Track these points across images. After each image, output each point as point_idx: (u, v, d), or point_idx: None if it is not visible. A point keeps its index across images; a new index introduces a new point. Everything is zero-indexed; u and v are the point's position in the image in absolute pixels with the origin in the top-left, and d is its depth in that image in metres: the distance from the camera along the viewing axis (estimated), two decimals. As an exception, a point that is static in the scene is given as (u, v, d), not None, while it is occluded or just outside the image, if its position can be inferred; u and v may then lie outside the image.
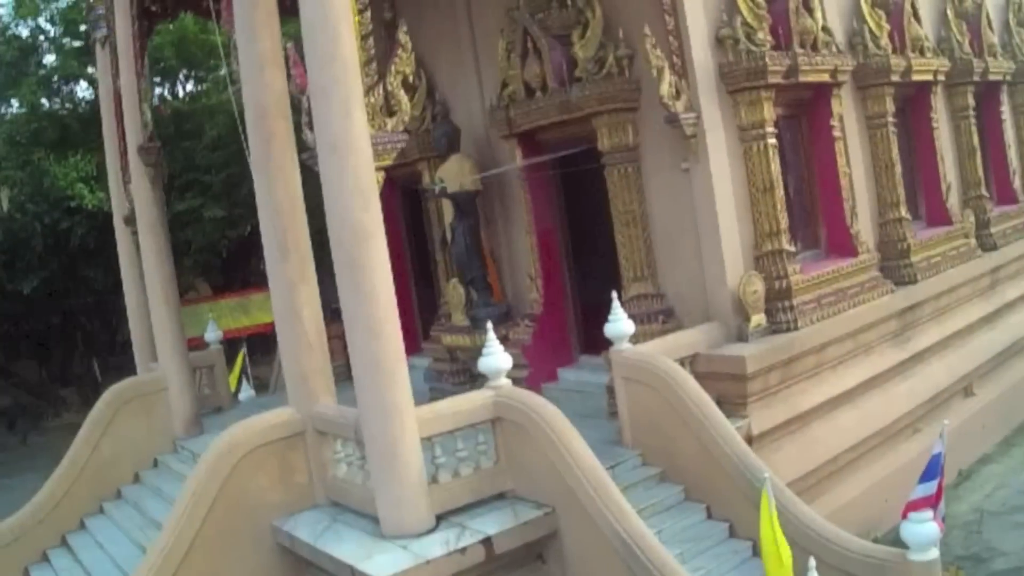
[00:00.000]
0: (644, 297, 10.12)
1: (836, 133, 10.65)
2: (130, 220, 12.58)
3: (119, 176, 12.71)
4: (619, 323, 8.94)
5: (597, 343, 11.07)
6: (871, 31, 11.17)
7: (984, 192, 13.42)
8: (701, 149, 9.56)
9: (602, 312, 11.20)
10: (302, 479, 8.59)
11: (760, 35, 9.78)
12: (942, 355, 11.49)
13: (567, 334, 11.26)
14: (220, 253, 19.62)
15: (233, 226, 19.50)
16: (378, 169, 7.66)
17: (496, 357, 8.24)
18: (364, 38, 7.69)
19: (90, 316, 22.21)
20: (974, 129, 13.15)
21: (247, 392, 14.84)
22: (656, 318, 9.96)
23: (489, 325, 8.41)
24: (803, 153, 10.80)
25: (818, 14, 10.41)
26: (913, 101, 12.16)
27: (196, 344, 21.38)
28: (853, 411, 10.20)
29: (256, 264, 23.02)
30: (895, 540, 7.72)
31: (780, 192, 9.85)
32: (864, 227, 10.98)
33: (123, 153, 12.48)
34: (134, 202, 12.22)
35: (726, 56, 9.74)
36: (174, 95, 22.42)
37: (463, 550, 7.38)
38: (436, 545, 7.38)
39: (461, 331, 11.47)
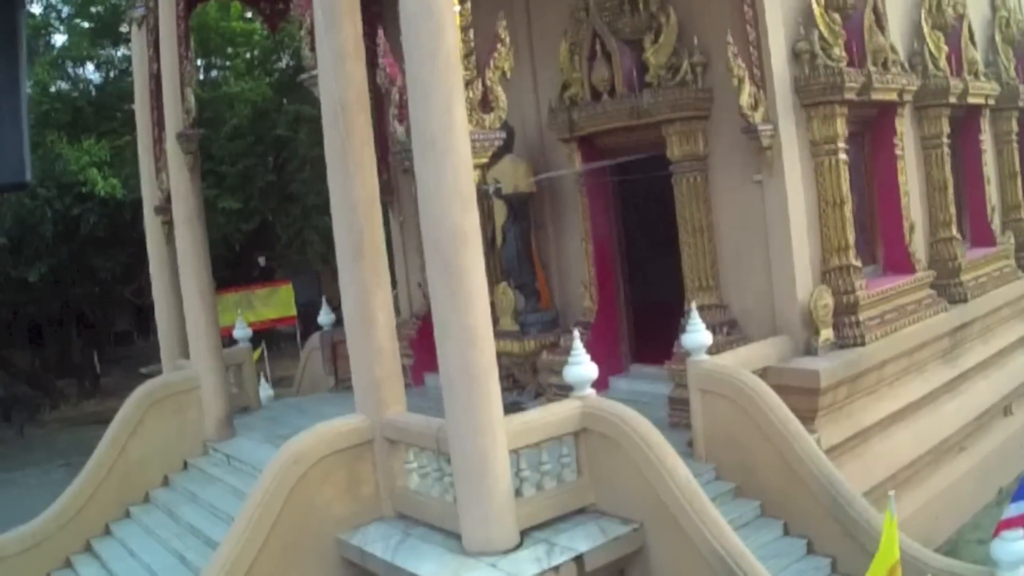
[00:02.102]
0: (708, 308, 9.59)
1: (898, 152, 10.28)
2: (161, 210, 11.78)
3: (151, 163, 11.90)
4: (698, 334, 8.43)
5: (648, 352, 10.64)
6: (931, 52, 10.82)
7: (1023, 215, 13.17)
8: (776, 162, 9.11)
9: (654, 321, 10.79)
10: (369, 490, 7.93)
11: (836, 51, 9.36)
12: (986, 374, 11.18)
13: (619, 343, 10.73)
14: (233, 247, 18.70)
15: (247, 219, 18.59)
16: (475, 168, 7.06)
17: (583, 366, 7.69)
18: (464, 30, 7.08)
19: (93, 307, 21.07)
20: (1016, 153, 12.88)
21: (266, 390, 14.06)
22: (721, 329, 9.46)
23: (576, 333, 7.89)
24: (864, 170, 10.40)
25: (889, 33, 10.03)
26: (963, 124, 11.83)
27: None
28: (908, 428, 9.82)
29: (266, 259, 22.22)
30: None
31: (849, 208, 9.45)
32: (917, 245, 10.61)
33: (158, 140, 11.69)
34: (169, 191, 11.44)
35: (802, 70, 9.31)
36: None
37: (556, 568, 6.80)
38: (527, 563, 6.79)
39: (509, 336, 10.86)
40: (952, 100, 10.86)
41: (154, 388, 11.02)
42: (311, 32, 8.24)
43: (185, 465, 11.09)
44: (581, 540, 7.13)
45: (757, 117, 8.96)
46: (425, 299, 13.34)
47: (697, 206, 9.63)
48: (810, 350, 9.15)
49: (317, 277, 25.14)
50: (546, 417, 7.44)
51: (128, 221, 18.55)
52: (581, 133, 10.23)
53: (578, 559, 6.93)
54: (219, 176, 18.32)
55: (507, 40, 7.43)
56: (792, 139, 9.23)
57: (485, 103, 7.17)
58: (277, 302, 18.97)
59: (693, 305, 8.58)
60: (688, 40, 9.53)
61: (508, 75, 7.39)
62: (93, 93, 19.84)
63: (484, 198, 11.54)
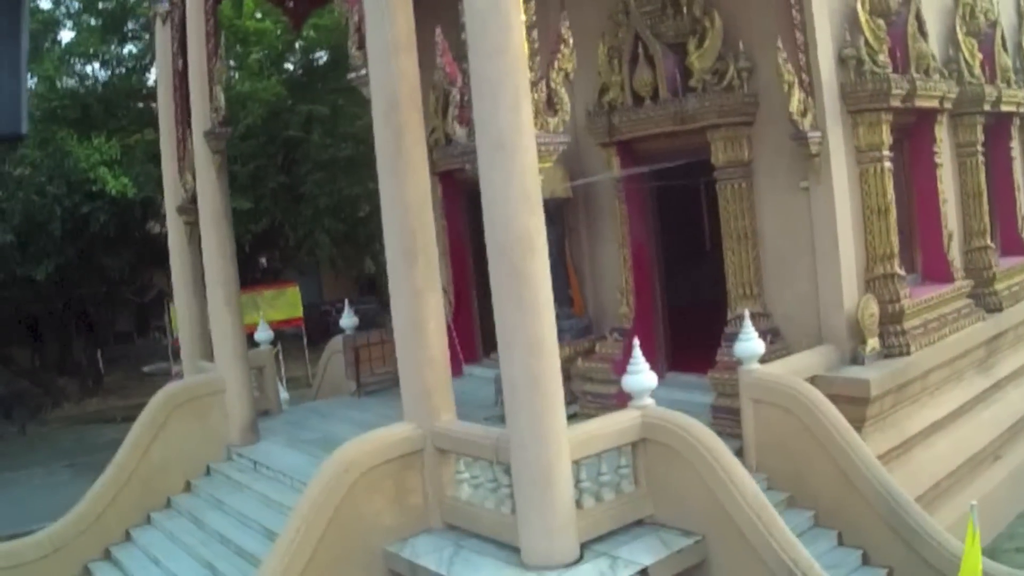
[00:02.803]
0: (752, 316, 9.31)
1: (937, 160, 10.06)
2: (184, 210, 11.35)
3: (175, 163, 11.46)
4: (750, 342, 8.16)
5: (685, 360, 10.36)
6: (966, 59, 10.62)
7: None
8: (824, 168, 8.84)
9: (691, 329, 10.50)
10: (417, 500, 7.58)
11: (881, 57, 9.12)
12: (1018, 383, 10.99)
13: (656, 351, 10.40)
14: (243, 247, 18.18)
15: (257, 219, 18.10)
16: (540, 172, 6.73)
17: (643, 375, 7.38)
18: (528, 29, 6.73)
19: (98, 306, 20.46)
20: None
21: (282, 393, 13.61)
22: (764, 338, 9.09)
23: (636, 341, 7.53)
24: (903, 178, 10.17)
25: (930, 40, 9.82)
26: (993, 131, 11.64)
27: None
28: (948, 437, 9.58)
29: (267, 260, 21.71)
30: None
31: (893, 215, 9.21)
32: (955, 254, 10.40)
33: (181, 139, 11.26)
34: (194, 191, 11.02)
35: (848, 76, 9.05)
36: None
37: (623, 584, 6.52)
38: (592, 576, 6.51)
39: (540, 342, 10.52)
40: (986, 107, 10.66)
41: (177, 391, 10.58)
42: (358, 29, 7.87)
43: (208, 470, 10.64)
44: (644, 553, 6.84)
45: (806, 123, 8.70)
46: (449, 305, 13.01)
47: (741, 213, 9.33)
48: (856, 359, 8.90)
49: (318, 279, 24.77)
50: (607, 427, 7.14)
51: (138, 220, 18.11)
52: (621, 138, 9.92)
53: (643, 573, 6.64)
54: (231, 176, 17.71)
55: (570, 40, 7.10)
56: (839, 146, 8.97)
57: (550, 105, 6.84)
58: (284, 304, 18.57)
59: (746, 313, 8.31)
60: (733, 44, 9.24)
61: (571, 77, 7.06)
62: (99, 90, 19.26)
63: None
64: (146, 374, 21.89)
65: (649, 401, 7.40)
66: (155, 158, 18.16)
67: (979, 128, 10.74)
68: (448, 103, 7.34)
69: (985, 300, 10.56)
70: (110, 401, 20.48)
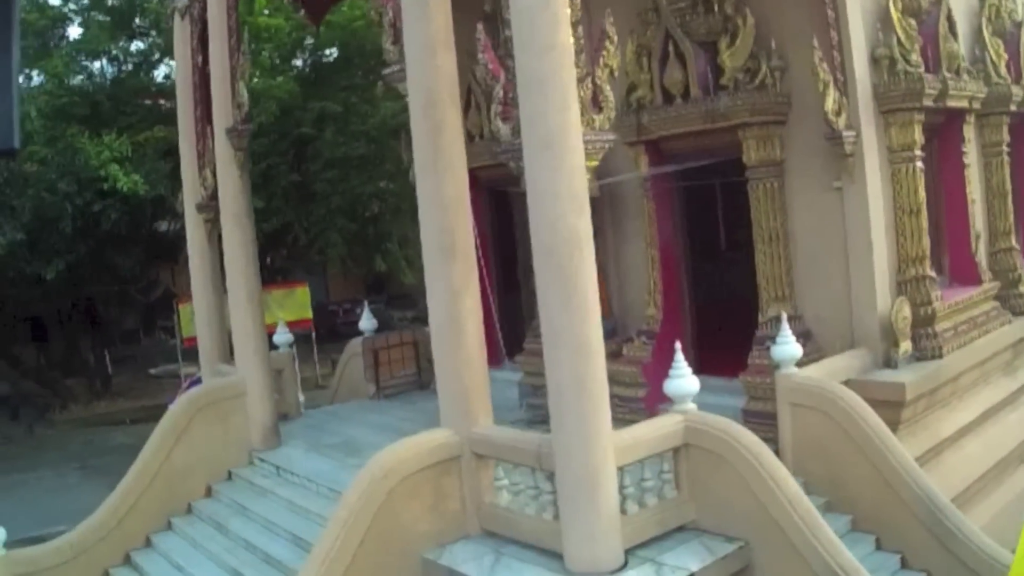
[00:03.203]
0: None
1: (966, 160, 9.92)
2: (204, 207, 11.11)
3: (194, 160, 11.21)
4: (788, 346, 7.99)
5: (712, 363, 10.16)
6: (992, 59, 10.47)
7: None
8: (858, 168, 8.67)
9: (718, 331, 10.32)
10: (454, 507, 7.37)
11: (914, 56, 8.96)
12: (1042, 386, 10.86)
13: (683, 353, 10.20)
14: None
15: (267, 219, 17.81)
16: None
17: (685, 380, 7.22)
18: (574, 26, 6.54)
19: (106, 305, 20.13)
20: None
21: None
22: (797, 340, 9.03)
23: (678, 345, 7.35)
24: (931, 178, 10.00)
25: (960, 40, 9.68)
26: (1017, 131, 11.50)
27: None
28: (977, 440, 9.43)
29: (273, 260, 21.42)
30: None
31: (925, 216, 9.06)
32: (982, 256, 10.26)
33: (201, 135, 11.02)
34: (215, 188, 10.79)
35: (880, 76, 8.89)
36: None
37: (669, 590, 6.35)
38: (639, 584, 6.33)
39: (568, 344, 10.32)
40: (1012, 108, 10.53)
41: (199, 395, 10.32)
42: (393, 24, 7.69)
43: (229, 475, 10.40)
44: (689, 559, 6.67)
45: (840, 123, 8.53)
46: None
47: (773, 213, 9.14)
48: (889, 362, 8.73)
49: (324, 279, 24.53)
50: (651, 432, 6.97)
51: (148, 218, 17.81)
52: (649, 137, 9.71)
53: (688, 579, 6.48)
54: None
55: (615, 37, 6.90)
56: (873, 145, 8.80)
57: (595, 102, 6.64)
58: (293, 304, 18.34)
59: (783, 316, 8.15)
60: (765, 43, 9.06)
61: (615, 74, 6.87)
62: (108, 87, 18.96)
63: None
64: (153, 376, 21.61)
65: (691, 406, 7.24)
66: (166, 155, 18.00)
67: (1004, 128, 10.60)
68: (490, 100, 7.13)
69: (1011, 302, 10.42)
70: (118, 403, 20.16)
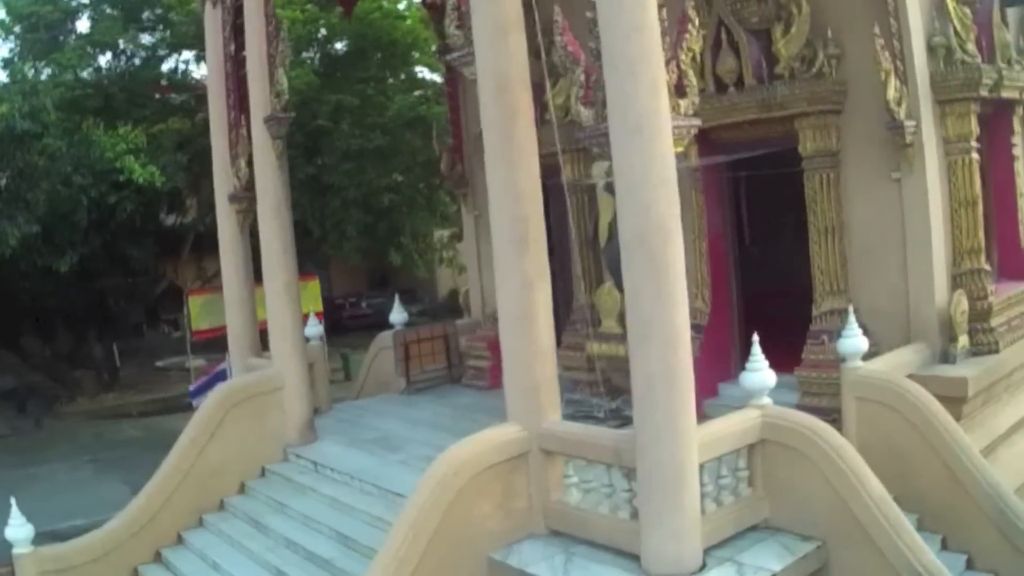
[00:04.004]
0: (837, 313, 8.87)
1: (1016, 152, 9.73)
2: (236, 198, 10.75)
3: (226, 149, 10.85)
4: (854, 339, 7.75)
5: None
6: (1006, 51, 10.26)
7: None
8: (917, 159, 8.44)
9: (764, 324, 10.06)
10: (522, 505, 7.09)
11: (970, 46, 8.75)
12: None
13: (730, 347, 9.97)
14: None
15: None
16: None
17: (762, 373, 6.95)
18: (659, 8, 6.25)
19: (117, 297, 19.60)
20: None
21: None
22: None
23: (755, 338, 7.09)
24: (981, 171, 9.81)
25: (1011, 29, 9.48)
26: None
27: (220, 333, 19.24)
28: (1024, 438, 9.30)
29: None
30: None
31: (980, 208, 8.85)
32: (1025, 250, 10.08)
33: (234, 125, 10.66)
34: (249, 178, 10.44)
35: (937, 65, 8.67)
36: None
37: (754, 591, 6.10)
38: (724, 584, 6.07)
39: (613, 339, 10.00)
40: (1056, 100, 10.34)
41: (235, 389, 9.99)
42: (458, 7, 7.36)
43: (263, 472, 10.06)
44: (769, 559, 6.43)
45: (901, 112, 8.29)
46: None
47: (829, 204, 8.90)
48: (947, 357, 8.51)
49: (327, 273, 24.06)
50: (730, 427, 6.71)
51: (164, 210, 17.39)
52: (700, 126, 9.44)
53: (770, 580, 6.23)
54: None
55: (696, 20, 6.63)
56: (932, 136, 8.57)
57: (680, 87, 6.36)
58: (305, 297, 17.77)
59: (850, 309, 7.91)
60: (820, 31, 8.82)
61: (697, 58, 6.59)
62: (122, 78, 18.48)
63: (582, 193, 10.78)
64: (160, 369, 21.14)
65: (767, 400, 6.99)
66: (181, 147, 17.59)
67: (1047, 120, 10.42)
68: (571, 83, 6.83)
69: (1057, 297, 10.24)
70: (126, 396, 19.71)
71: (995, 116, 9.72)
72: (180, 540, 9.51)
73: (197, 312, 17.91)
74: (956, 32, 8.71)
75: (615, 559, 6.55)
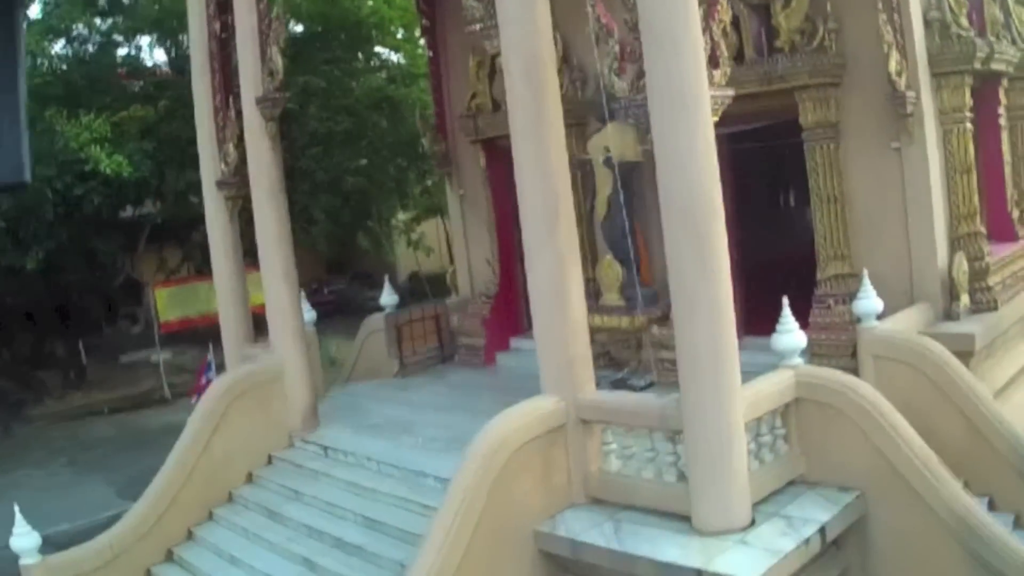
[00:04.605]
0: (841, 278, 9.26)
1: (1001, 122, 10.20)
2: (225, 184, 10.60)
3: (212, 134, 10.67)
4: (869, 300, 8.09)
5: (761, 324, 10.19)
6: (1016, 25, 10.76)
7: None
8: (917, 129, 8.82)
9: (765, 293, 10.38)
10: (561, 477, 7.22)
11: (963, 20, 9.14)
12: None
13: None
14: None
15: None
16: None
17: (792, 335, 7.21)
18: (695, -21, 6.39)
19: (83, 293, 19.00)
20: None
21: None
22: (853, 299, 9.15)
23: (785, 300, 7.34)
24: (970, 139, 10.26)
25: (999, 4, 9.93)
26: None
27: (189, 325, 18.86)
28: (1020, 392, 9.76)
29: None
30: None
31: (975, 175, 9.28)
32: (1016, 214, 10.57)
33: (221, 107, 10.50)
34: (236, 163, 10.32)
35: (932, 39, 9.04)
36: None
37: (807, 541, 6.32)
38: (777, 538, 6.31)
39: (616, 311, 10.24)
40: (1037, 72, 10.86)
41: (238, 378, 9.87)
42: (476, -22, 7.42)
43: (270, 460, 9.98)
44: (814, 510, 6.69)
45: (902, 84, 8.66)
46: (495, 276, 12.60)
47: (830, 173, 9.21)
48: (950, 316, 8.92)
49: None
50: (768, 387, 6.93)
51: (131, 201, 16.90)
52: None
53: (822, 530, 6.47)
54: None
55: (724, -9, 6.80)
56: (930, 107, 8.96)
57: (714, 58, 6.52)
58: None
59: (864, 272, 8.20)
60: (819, 4, 9.11)
61: (727, 31, 6.77)
62: (83, 65, 17.88)
63: (575, 169, 10.91)
64: (125, 364, 20.62)
65: (799, 360, 7.25)
66: (147, 134, 17.13)
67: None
68: (604, 54, 6.92)
69: (1040, 259, 10.78)
70: (94, 394, 19.20)
71: (983, 88, 10.16)
72: (191, 536, 9.37)
73: (164, 305, 17.57)
74: (950, 7, 9.10)
75: (663, 522, 6.72)
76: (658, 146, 6.27)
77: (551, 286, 7.13)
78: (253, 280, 17.99)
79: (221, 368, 11.55)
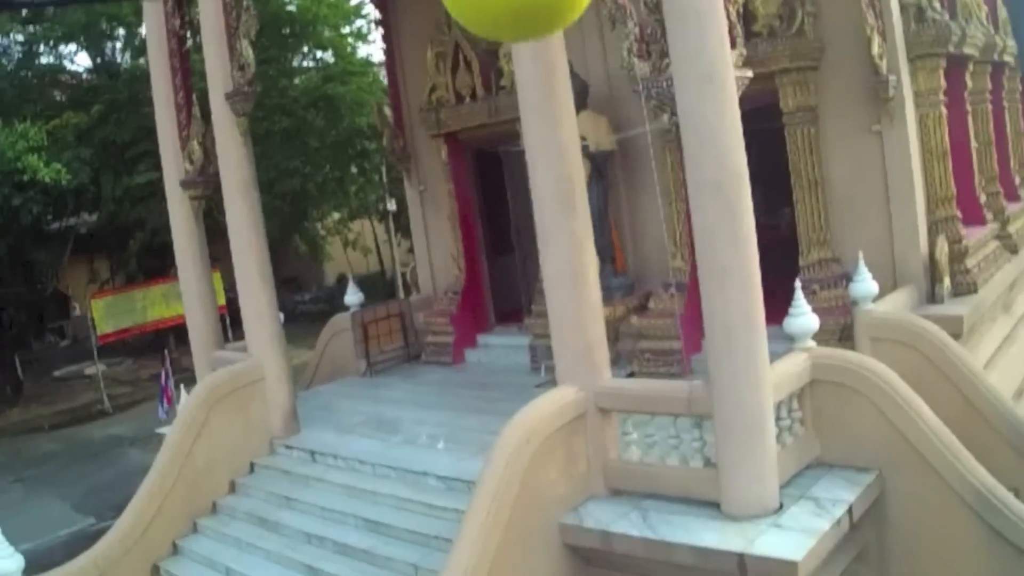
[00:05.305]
0: (823, 262, 9.44)
1: (968, 107, 10.57)
2: (190, 184, 10.21)
3: (174, 133, 10.25)
4: (866, 283, 8.25)
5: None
6: (974, 10, 11.17)
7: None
8: (897, 111, 9.06)
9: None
10: (582, 467, 7.12)
11: (936, 4, 9.45)
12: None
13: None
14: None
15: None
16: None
17: (806, 317, 7.29)
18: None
19: (18, 306, 17.96)
20: (1021, 112, 13.64)
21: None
22: (840, 282, 9.32)
23: (798, 284, 7.42)
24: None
25: (956, -11, 10.29)
26: (995, 81, 12.28)
27: (125, 336, 18.09)
28: (995, 373, 10.07)
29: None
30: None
31: (950, 159, 9.59)
32: (983, 198, 10.97)
33: (183, 104, 10.10)
34: (201, 162, 9.98)
35: (908, 22, 9.32)
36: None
37: (838, 521, 6.36)
38: (810, 519, 6.33)
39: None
40: (995, 57, 11.31)
41: (219, 383, 9.46)
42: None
43: (252, 467, 9.63)
44: (839, 491, 6.71)
45: (884, 67, 8.90)
46: (460, 272, 12.45)
47: (810, 158, 9.39)
48: (934, 298, 9.19)
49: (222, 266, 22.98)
50: (788, 369, 6.96)
51: (71, 210, 16.12)
52: (675, 86, 9.75)
53: (850, 510, 6.54)
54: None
55: (737, -29, 6.85)
56: (908, 90, 9.23)
57: (731, 39, 6.56)
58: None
59: (859, 255, 8.36)
60: (797, -12, 9.29)
61: (741, 13, 6.83)
62: (9, 73, 17.01)
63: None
64: (59, 379, 19.65)
65: (811, 343, 7.34)
66: (81, 140, 16.37)
67: (987, 77, 11.37)
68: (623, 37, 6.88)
69: (1004, 243, 11.18)
70: (32, 410, 18.26)
71: (950, 72, 10.50)
72: (176, 550, 8.98)
73: (101, 315, 16.84)
74: (925, -8, 9.40)
75: (689, 509, 6.67)
76: (685, 122, 6.27)
77: (568, 269, 7.04)
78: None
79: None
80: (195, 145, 10.02)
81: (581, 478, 7.14)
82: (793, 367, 7.03)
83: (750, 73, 6.69)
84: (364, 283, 23.83)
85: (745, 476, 6.44)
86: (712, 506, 6.62)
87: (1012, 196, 12.59)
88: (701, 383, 6.67)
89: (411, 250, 30.61)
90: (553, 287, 7.17)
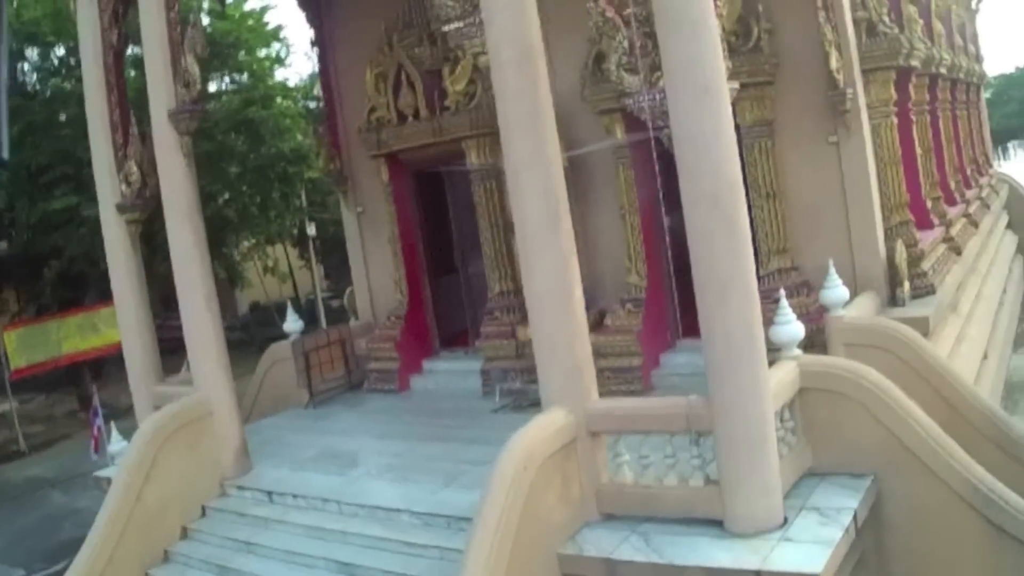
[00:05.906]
0: (784, 271, 9.60)
1: (912, 116, 10.92)
2: (127, 207, 9.65)
3: (110, 154, 9.68)
4: (836, 290, 8.37)
5: (694, 326, 10.31)
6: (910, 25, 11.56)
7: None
8: (854, 122, 9.29)
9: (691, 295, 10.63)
10: (575, 493, 6.91)
11: (886, 19, 9.74)
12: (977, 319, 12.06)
13: (667, 318, 10.33)
14: (96, 262, 15.43)
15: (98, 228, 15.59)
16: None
17: (792, 326, 7.30)
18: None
19: None
20: (959, 122, 14.20)
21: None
22: (801, 291, 9.46)
23: (782, 292, 7.44)
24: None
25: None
26: (931, 92, 12.73)
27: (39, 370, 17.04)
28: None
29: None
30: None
31: (902, 167, 9.88)
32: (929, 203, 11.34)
33: (120, 123, 9.55)
34: (139, 185, 9.47)
35: (860, 36, 9.59)
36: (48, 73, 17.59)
37: (846, 529, 6.34)
38: (819, 529, 6.30)
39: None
40: (932, 69, 11.74)
41: (166, 420, 8.89)
42: (454, -27, 7.11)
43: (203, 511, 9.08)
44: (841, 499, 6.71)
45: (842, 80, 9.11)
46: (403, 296, 12.15)
47: (768, 170, 9.55)
48: (895, 302, 9.42)
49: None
50: (780, 379, 6.93)
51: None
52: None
53: (854, 517, 6.53)
54: (81, 181, 14.77)
55: (719, -16, 6.86)
56: (862, 101, 9.49)
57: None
58: (110, 324, 16.17)
59: (830, 262, 8.47)
60: (752, 5, 9.42)
61: (726, 27, 6.84)
62: None
63: (491, 179, 10.82)
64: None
65: (798, 351, 7.35)
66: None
67: (925, 89, 11.80)
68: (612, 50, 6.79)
69: (949, 245, 11.59)
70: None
71: (898, 83, 10.85)
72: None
73: (14, 349, 15.88)
74: (875, 6, 9.67)
75: (690, 529, 6.55)
76: (679, 134, 6.21)
77: (556, 287, 6.87)
78: (104, 317, 16.79)
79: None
80: (132, 166, 9.48)
81: (575, 504, 6.93)
82: (784, 376, 7.01)
83: (737, 85, 6.69)
84: (280, 310, 23.33)
85: (751, 491, 6.37)
86: (714, 524, 6.51)
87: (951, 200, 13.07)
88: (698, 398, 6.58)
89: (328, 275, 30.21)
90: (539, 306, 6.98)
